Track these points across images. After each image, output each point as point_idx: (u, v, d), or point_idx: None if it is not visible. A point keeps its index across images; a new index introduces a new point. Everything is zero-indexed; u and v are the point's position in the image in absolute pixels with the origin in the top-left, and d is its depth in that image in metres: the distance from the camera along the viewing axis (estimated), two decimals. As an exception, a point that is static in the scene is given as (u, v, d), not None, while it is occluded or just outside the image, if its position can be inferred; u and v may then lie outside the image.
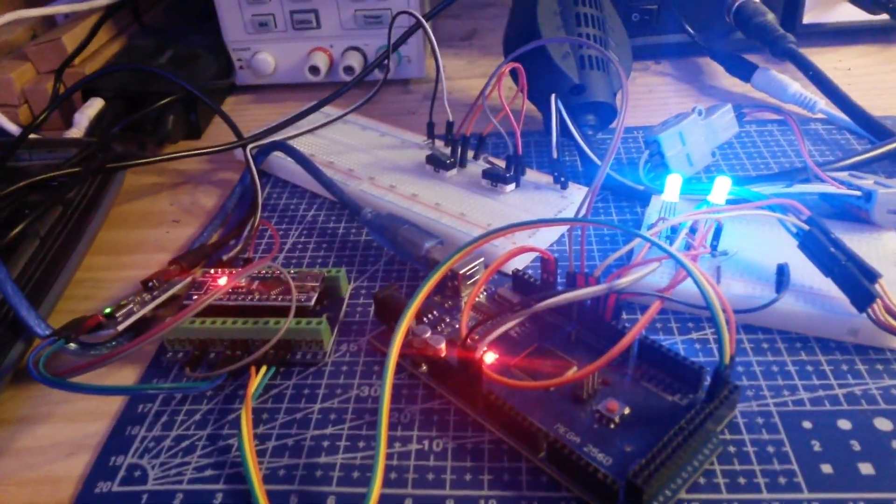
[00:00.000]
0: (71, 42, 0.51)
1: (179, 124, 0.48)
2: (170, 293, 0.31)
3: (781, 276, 0.28)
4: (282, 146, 0.41)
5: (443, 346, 0.27)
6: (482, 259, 0.31)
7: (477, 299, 0.30)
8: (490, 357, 0.26)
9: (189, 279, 0.32)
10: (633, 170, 0.37)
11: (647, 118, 0.46)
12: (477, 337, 0.25)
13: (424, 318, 0.29)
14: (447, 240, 0.33)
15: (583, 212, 0.28)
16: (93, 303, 0.34)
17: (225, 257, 0.34)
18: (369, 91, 0.49)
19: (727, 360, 0.23)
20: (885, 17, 0.51)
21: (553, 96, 0.37)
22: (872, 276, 0.26)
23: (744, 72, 0.49)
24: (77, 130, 0.45)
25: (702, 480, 0.23)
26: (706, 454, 0.23)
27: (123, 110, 0.47)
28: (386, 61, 0.48)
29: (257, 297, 0.30)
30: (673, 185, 0.32)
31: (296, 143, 0.42)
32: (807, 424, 0.25)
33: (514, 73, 0.37)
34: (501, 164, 0.39)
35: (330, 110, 0.47)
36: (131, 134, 0.46)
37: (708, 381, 0.24)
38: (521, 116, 0.37)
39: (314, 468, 0.25)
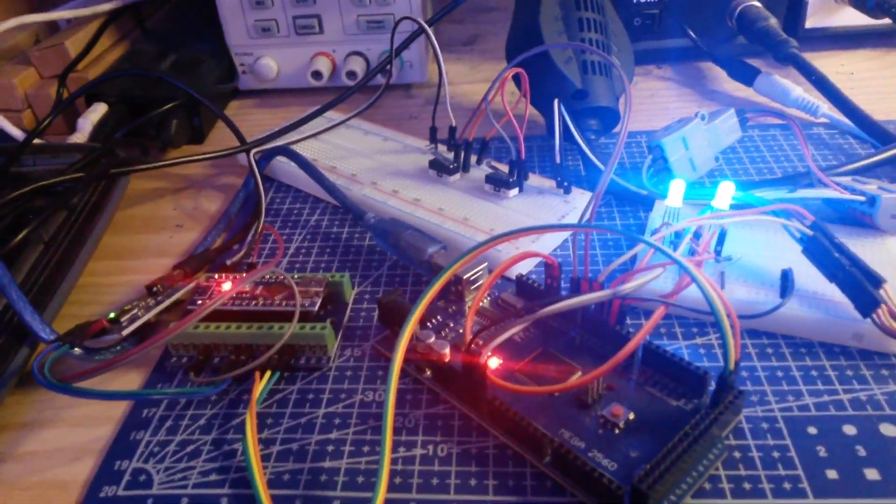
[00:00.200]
0: (74, 47, 0.51)
1: (183, 129, 0.48)
2: (174, 298, 0.31)
3: (786, 282, 0.28)
4: (285, 151, 0.41)
5: (447, 350, 0.27)
6: (486, 264, 0.31)
7: (481, 304, 0.30)
8: (494, 362, 0.26)
9: (193, 284, 0.32)
10: (637, 175, 0.37)
11: (650, 123, 0.46)
12: (481, 342, 0.25)
13: (428, 323, 0.29)
14: (450, 245, 0.33)
15: (586, 217, 0.28)
16: (97, 307, 0.34)
17: (228, 262, 0.34)
18: (372, 96, 0.49)
19: (732, 365, 0.23)
20: (887, 21, 0.51)
21: (556, 101, 0.37)
22: (877, 281, 0.26)
23: (746, 76, 0.49)
24: (80, 135, 0.45)
25: (707, 486, 0.23)
26: (711, 459, 0.23)
27: (127, 115, 0.47)
28: (388, 66, 0.48)
29: (261, 302, 0.30)
30: (676, 190, 0.32)
31: (299, 148, 0.42)
32: (812, 430, 0.25)
33: (516, 78, 0.37)
34: (504, 168, 0.39)
35: (332, 115, 0.47)
36: (135, 139, 0.46)
37: (712, 386, 0.24)
38: (524, 121, 0.37)
39: (319, 473, 0.25)
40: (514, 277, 0.31)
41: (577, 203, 0.37)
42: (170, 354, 0.30)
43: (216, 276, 0.32)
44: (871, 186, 0.32)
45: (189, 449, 0.26)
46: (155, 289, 0.31)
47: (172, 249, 0.38)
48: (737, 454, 0.24)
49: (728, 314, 0.22)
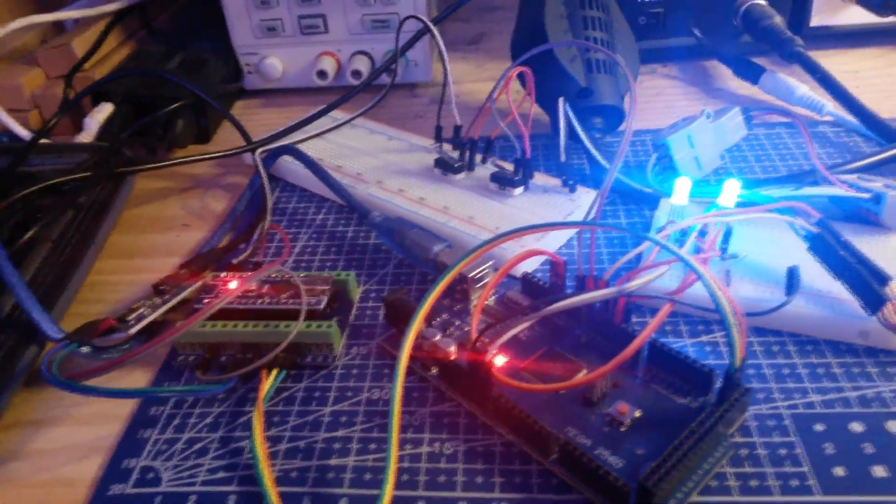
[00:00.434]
0: (80, 47, 0.51)
1: (189, 129, 0.48)
2: (181, 297, 0.31)
3: (791, 279, 0.28)
4: (291, 150, 0.41)
5: (453, 349, 0.27)
6: (491, 262, 0.31)
7: (486, 303, 0.30)
8: (500, 360, 0.26)
9: (199, 283, 0.32)
10: (642, 173, 0.37)
11: (655, 121, 0.46)
12: (487, 340, 0.25)
13: (434, 322, 0.29)
14: (456, 243, 0.33)
15: (592, 215, 0.28)
16: (104, 306, 0.34)
17: (235, 261, 0.34)
18: (377, 95, 0.49)
19: (738, 362, 0.23)
20: (893, 19, 0.51)
21: (561, 99, 0.37)
22: (883, 278, 0.26)
23: (751, 75, 0.49)
24: (87, 135, 0.46)
25: (713, 483, 0.23)
26: (717, 457, 0.23)
27: (133, 115, 0.47)
28: (393, 65, 0.48)
29: (267, 300, 0.30)
30: (682, 189, 0.32)
31: (304, 147, 0.42)
32: (818, 427, 0.25)
33: (521, 77, 0.37)
34: (509, 167, 0.39)
35: (338, 114, 0.47)
36: (141, 138, 0.46)
37: (719, 383, 0.24)
38: (529, 120, 0.37)
39: (326, 470, 0.25)
40: (519, 275, 0.31)
41: (583, 201, 0.37)
42: (177, 353, 0.30)
43: (222, 274, 0.32)
44: (877, 184, 0.32)
45: (197, 447, 0.26)
46: (162, 287, 0.32)
47: (179, 248, 0.38)
48: (743, 452, 0.24)
49: (734, 312, 0.22)
